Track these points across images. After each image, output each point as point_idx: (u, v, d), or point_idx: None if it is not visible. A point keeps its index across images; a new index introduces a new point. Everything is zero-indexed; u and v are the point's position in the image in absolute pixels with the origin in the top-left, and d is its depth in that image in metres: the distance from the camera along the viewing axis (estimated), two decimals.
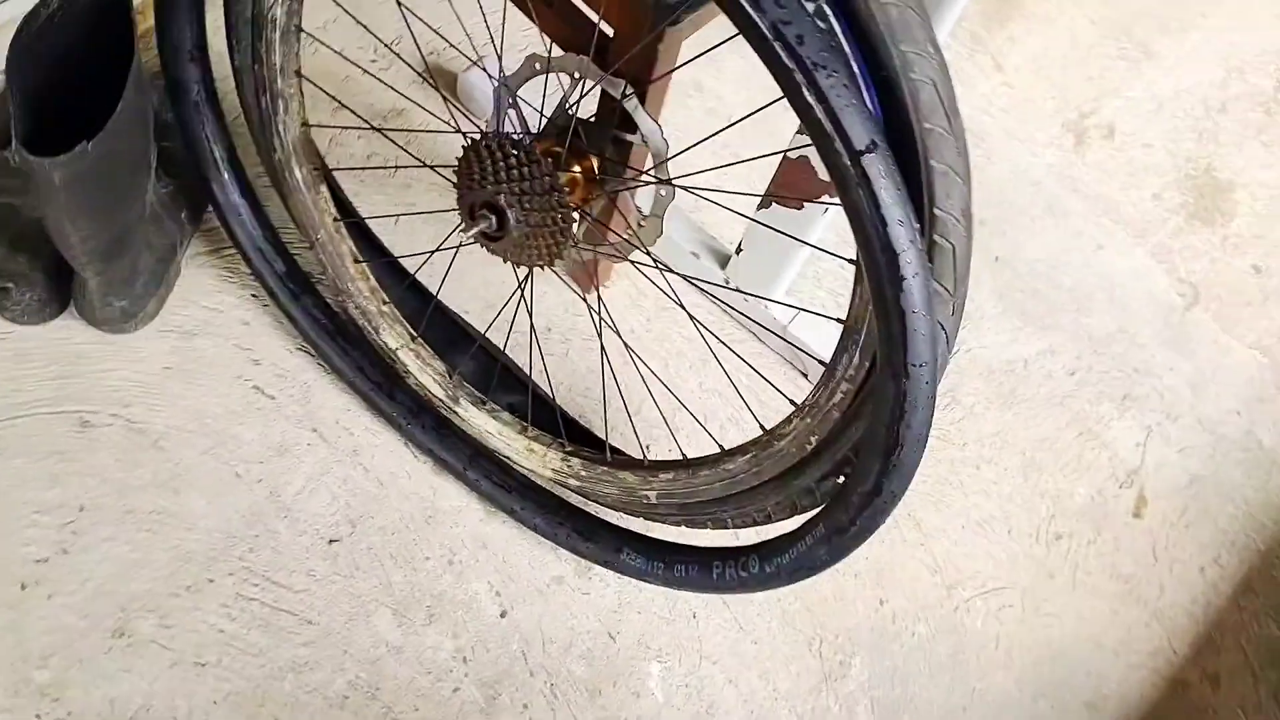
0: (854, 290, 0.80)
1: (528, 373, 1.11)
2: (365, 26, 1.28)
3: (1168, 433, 1.29)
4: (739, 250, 1.17)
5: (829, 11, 0.68)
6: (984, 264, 1.35)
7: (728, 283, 1.21)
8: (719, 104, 1.38)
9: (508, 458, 1.09)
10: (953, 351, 0.82)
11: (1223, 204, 1.47)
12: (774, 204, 1.07)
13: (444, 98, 1.14)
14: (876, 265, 0.68)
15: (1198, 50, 1.59)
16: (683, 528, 1.02)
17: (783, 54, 0.65)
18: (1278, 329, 1.39)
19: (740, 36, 0.67)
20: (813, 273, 1.29)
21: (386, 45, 1.28)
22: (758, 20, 0.65)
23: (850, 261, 0.80)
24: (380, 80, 1.27)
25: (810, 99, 0.65)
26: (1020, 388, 1.28)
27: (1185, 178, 1.48)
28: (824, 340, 1.21)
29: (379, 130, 1.18)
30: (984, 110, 1.47)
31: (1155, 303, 1.37)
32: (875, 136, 0.65)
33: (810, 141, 0.76)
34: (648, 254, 0.95)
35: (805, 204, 1.03)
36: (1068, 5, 1.59)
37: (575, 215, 0.87)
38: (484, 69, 1.26)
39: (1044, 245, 1.38)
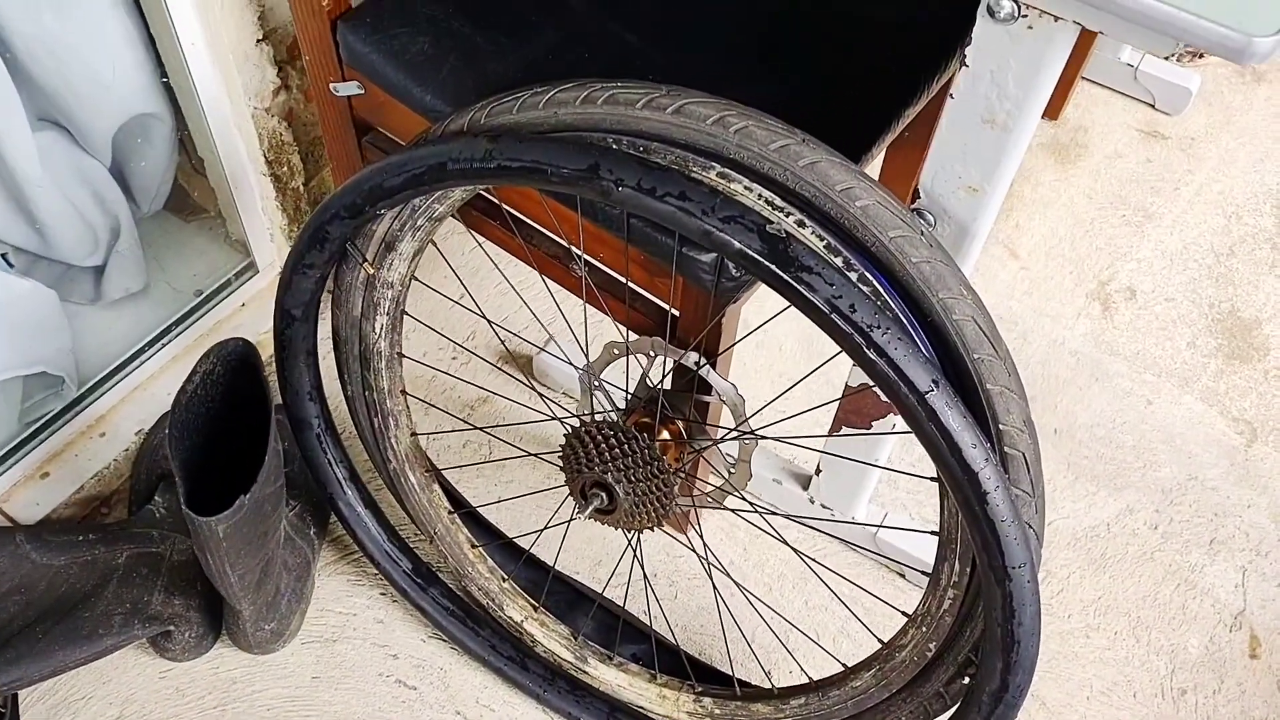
0: (941, 505, 0.88)
1: (646, 621, 1.18)
2: (440, 333, 1.42)
3: (1262, 569, 1.33)
4: (818, 471, 1.25)
5: (871, 278, 0.79)
6: (1045, 437, 1.42)
7: (812, 502, 1.29)
8: (766, 338, 1.50)
9: (642, 708, 1.14)
10: (1042, 543, 0.88)
11: (1254, 340, 1.55)
12: (844, 427, 1.16)
13: (531, 386, 1.26)
14: (960, 485, 0.76)
15: (1192, 204, 1.71)
16: None
17: (841, 323, 0.75)
18: None
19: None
20: (889, 477, 1.37)
21: (462, 346, 1.42)
22: (814, 300, 0.75)
23: (930, 479, 0.89)
24: (463, 379, 1.40)
25: (872, 355, 0.75)
26: (1108, 550, 1.33)
27: (1213, 322, 1.56)
28: (911, 542, 1.27)
29: (483, 430, 1.30)
30: (1009, 296, 1.57)
31: (1217, 445, 1.43)
32: (934, 375, 0.75)
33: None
34: (742, 498, 1.04)
35: (873, 424, 1.12)
36: (1061, 187, 1.72)
37: (675, 477, 0.97)
38: (552, 352, 1.39)
39: (1097, 410, 1.46)
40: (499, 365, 1.43)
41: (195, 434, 1.04)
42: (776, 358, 1.48)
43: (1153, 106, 1.85)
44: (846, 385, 1.10)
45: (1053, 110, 1.82)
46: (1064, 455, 1.41)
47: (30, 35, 1.09)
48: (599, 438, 0.96)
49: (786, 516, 1.09)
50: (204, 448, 1.06)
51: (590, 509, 0.97)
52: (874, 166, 1.15)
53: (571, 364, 1.23)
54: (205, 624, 1.16)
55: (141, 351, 1.34)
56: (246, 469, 0.99)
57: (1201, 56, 1.90)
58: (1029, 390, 1.46)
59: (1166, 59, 1.86)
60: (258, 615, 1.12)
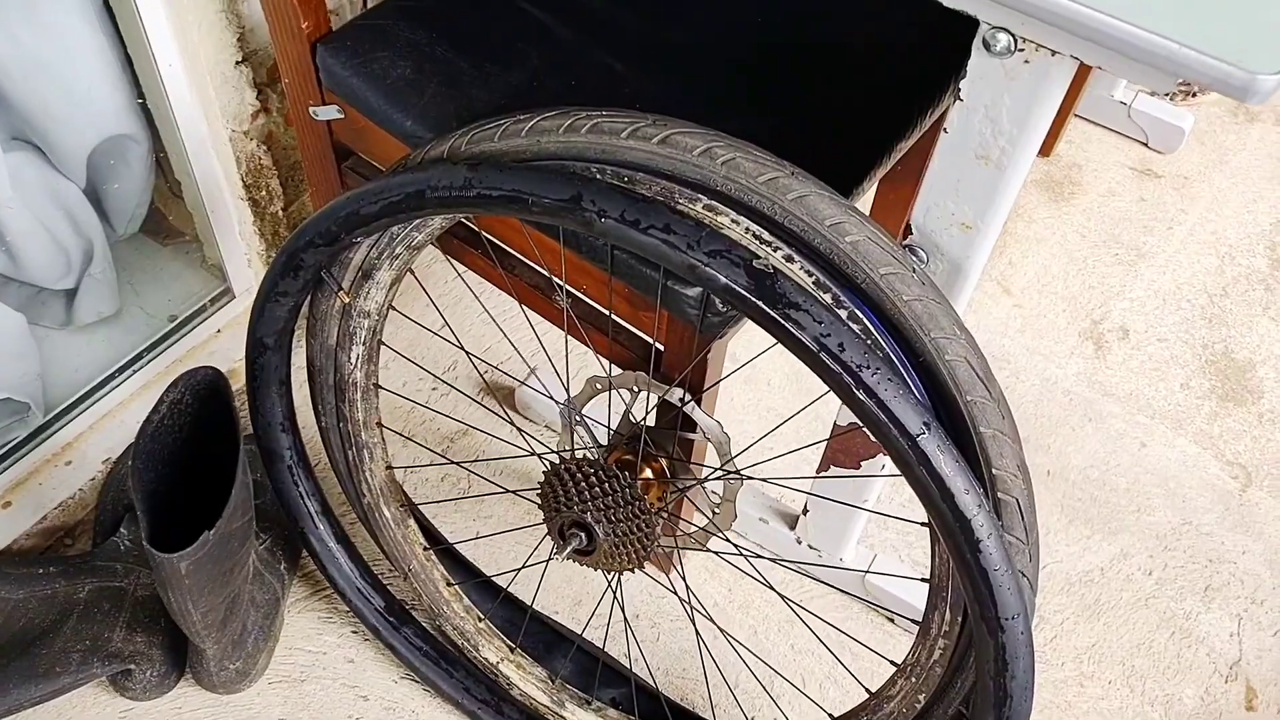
0: (932, 551, 0.85)
1: (626, 664, 1.14)
2: (420, 365, 1.39)
3: (1257, 618, 1.30)
4: (805, 511, 1.22)
5: (861, 315, 0.77)
6: (1038, 479, 1.39)
7: (799, 542, 1.25)
8: (754, 371, 1.47)
9: None
10: (1036, 592, 0.85)
11: (1248, 383, 1.52)
12: (831, 466, 1.13)
13: (509, 421, 1.23)
14: (952, 533, 0.73)
15: (1185, 244, 1.69)
16: None
17: (829, 362, 0.72)
18: None
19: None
20: (878, 517, 1.34)
21: (441, 379, 1.39)
22: (801, 338, 0.73)
23: (920, 524, 0.86)
24: (441, 413, 1.37)
25: (861, 396, 0.72)
26: (1103, 596, 1.30)
27: (1207, 363, 1.54)
28: (900, 587, 1.24)
29: (461, 465, 1.27)
30: (1002, 334, 1.55)
31: (1211, 489, 1.41)
32: (926, 418, 0.72)
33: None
34: (726, 539, 1.00)
35: (862, 463, 1.09)
36: (1054, 224, 1.71)
37: (657, 517, 0.93)
38: (533, 386, 1.36)
39: (1090, 452, 1.43)
40: (479, 397, 1.40)
41: (162, 464, 1.00)
42: (764, 393, 1.45)
43: (1146, 145, 1.83)
44: (835, 424, 1.07)
45: (1045, 147, 1.80)
46: (1057, 498, 1.38)
47: (4, 53, 1.07)
48: (579, 476, 0.93)
49: (772, 560, 1.06)
50: (171, 479, 1.02)
51: (568, 550, 0.93)
52: (865, 200, 1.13)
53: (553, 398, 1.20)
54: (168, 662, 1.12)
55: (112, 378, 1.30)
56: (216, 501, 0.96)
57: (1195, 95, 1.89)
58: (1022, 431, 1.43)
59: (1154, 95, 1.85)
60: (222, 654, 1.08)
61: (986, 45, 0.70)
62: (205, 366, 1.01)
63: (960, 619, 0.85)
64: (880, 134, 0.99)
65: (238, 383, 1.19)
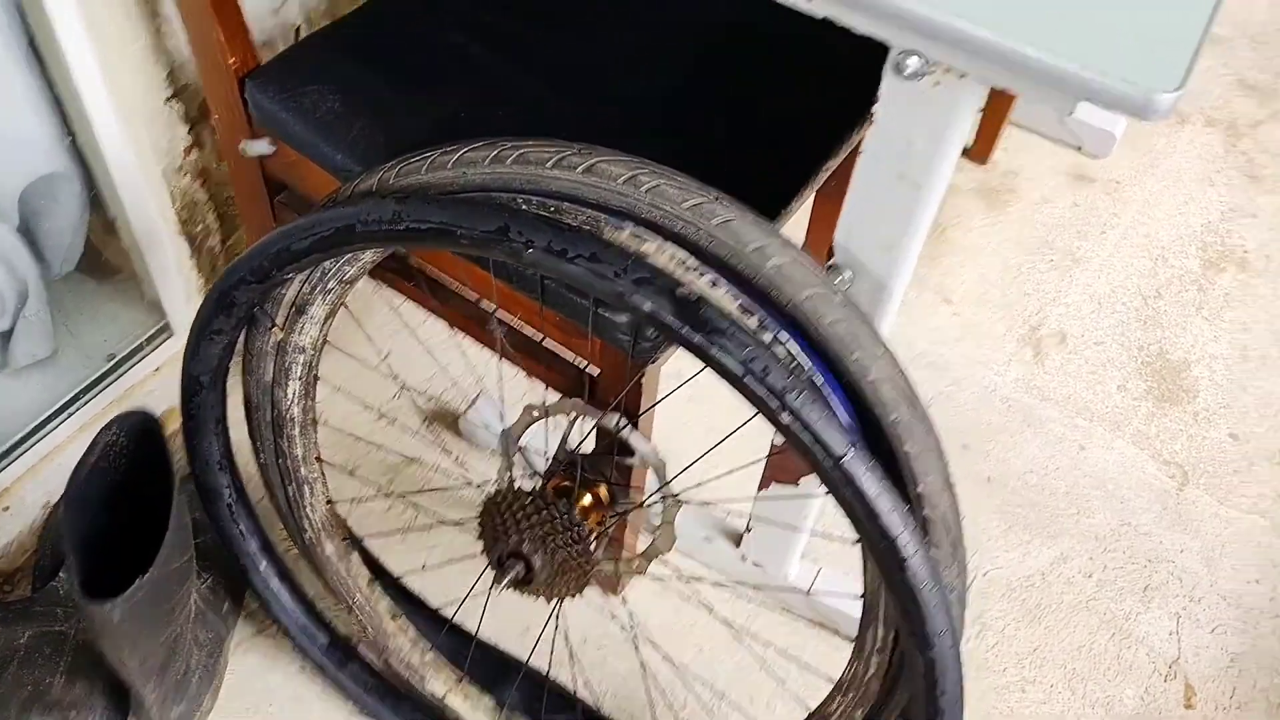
0: (864, 568, 0.86)
1: (572, 690, 1.14)
2: (358, 398, 1.39)
3: (1195, 615, 1.32)
4: (748, 528, 1.23)
5: (789, 338, 0.78)
6: (978, 485, 1.41)
7: (744, 559, 1.26)
8: (697, 390, 1.47)
9: None
10: (965, 606, 0.86)
11: (1184, 382, 1.55)
12: (772, 483, 1.14)
13: (446, 451, 1.23)
14: (878, 551, 0.74)
15: (1119, 248, 1.73)
16: None
17: (754, 387, 0.73)
18: (1270, 490, 1.44)
19: None
20: (820, 526, 1.35)
21: (383, 412, 1.38)
22: (726, 363, 0.74)
23: (856, 542, 0.87)
24: (382, 445, 1.36)
25: (785, 420, 0.73)
26: (1043, 600, 1.32)
27: (1143, 365, 1.57)
28: (844, 601, 1.25)
29: (402, 497, 1.26)
30: (941, 342, 1.57)
31: (1149, 489, 1.43)
32: (851, 439, 0.73)
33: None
34: (667, 564, 1.01)
35: (800, 480, 1.10)
36: (989, 232, 1.73)
37: (595, 543, 0.94)
38: (473, 419, 1.36)
39: (1029, 457, 1.45)
40: (425, 424, 1.39)
41: (99, 507, 0.99)
42: (709, 411, 1.46)
43: (1079, 150, 1.87)
44: (772, 443, 1.08)
45: (982, 155, 1.83)
46: (997, 504, 1.40)
47: None
48: (515, 505, 0.93)
49: (715, 584, 1.06)
50: (109, 521, 1.01)
51: (506, 580, 0.93)
52: (799, 217, 1.14)
53: (490, 428, 1.20)
54: (109, 710, 1.10)
55: (49, 420, 1.28)
56: (157, 542, 0.95)
57: None
58: (962, 438, 1.46)
59: None
60: (164, 698, 1.07)
61: (897, 69, 0.71)
62: (137, 410, 1.00)
63: (894, 635, 0.86)
64: (807, 155, 1.00)
65: (179, 421, 1.18)
